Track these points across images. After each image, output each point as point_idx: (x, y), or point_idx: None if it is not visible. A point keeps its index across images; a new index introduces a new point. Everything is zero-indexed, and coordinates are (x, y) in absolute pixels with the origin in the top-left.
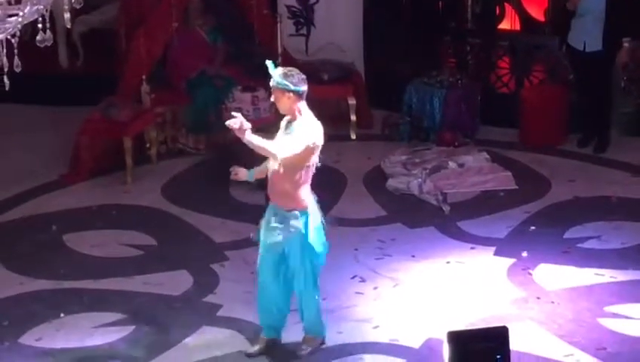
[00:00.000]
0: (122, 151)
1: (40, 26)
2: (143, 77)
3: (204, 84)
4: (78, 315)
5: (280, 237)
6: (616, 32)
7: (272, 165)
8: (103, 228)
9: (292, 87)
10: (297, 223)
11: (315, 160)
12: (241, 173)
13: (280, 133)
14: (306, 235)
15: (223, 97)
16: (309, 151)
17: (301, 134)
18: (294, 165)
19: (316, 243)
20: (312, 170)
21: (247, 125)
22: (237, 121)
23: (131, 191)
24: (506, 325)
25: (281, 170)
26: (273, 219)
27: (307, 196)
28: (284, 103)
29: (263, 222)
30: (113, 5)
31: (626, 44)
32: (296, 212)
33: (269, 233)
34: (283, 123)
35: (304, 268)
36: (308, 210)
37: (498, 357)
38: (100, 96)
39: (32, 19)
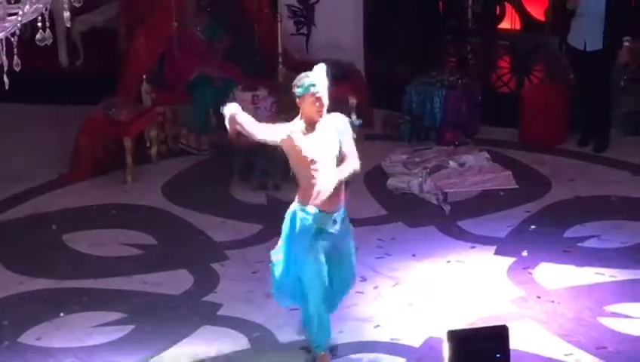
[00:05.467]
0: (122, 151)
1: (40, 24)
2: (144, 76)
3: (204, 85)
4: (78, 314)
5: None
6: (617, 32)
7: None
8: (103, 228)
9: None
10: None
11: None
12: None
13: (315, 136)
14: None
15: (223, 97)
16: None
17: (347, 130)
18: None
19: None
20: None
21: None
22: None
23: (131, 190)
24: (506, 324)
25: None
26: (332, 224)
27: None
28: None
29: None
30: (113, 4)
31: (626, 44)
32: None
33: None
34: (302, 126)
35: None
36: None
37: (498, 356)
38: (100, 96)
39: (31, 18)
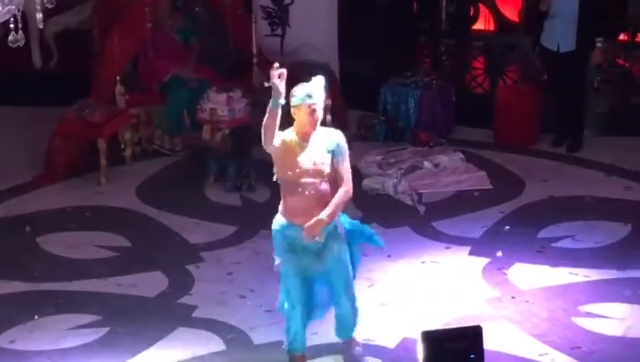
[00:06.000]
0: (96, 153)
1: (12, 26)
2: (117, 78)
3: (178, 86)
4: (53, 317)
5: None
6: (590, 33)
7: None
8: (77, 230)
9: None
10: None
11: None
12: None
13: (306, 149)
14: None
15: (198, 98)
16: None
17: (344, 151)
18: None
19: None
20: None
21: None
22: None
23: (106, 192)
24: (481, 324)
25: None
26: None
27: None
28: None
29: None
30: (87, 5)
31: (598, 45)
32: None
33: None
34: (295, 136)
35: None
36: None
37: (472, 356)
38: (74, 97)
39: (4, 20)
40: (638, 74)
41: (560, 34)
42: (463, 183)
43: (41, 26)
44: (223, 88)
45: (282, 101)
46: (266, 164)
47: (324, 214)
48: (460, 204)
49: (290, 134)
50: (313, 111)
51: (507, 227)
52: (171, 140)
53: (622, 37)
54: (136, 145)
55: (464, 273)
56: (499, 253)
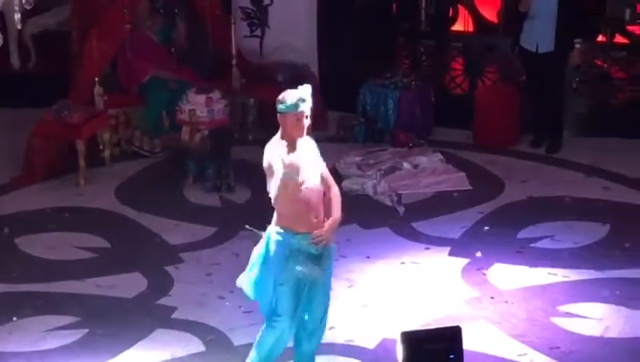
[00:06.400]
0: (75, 154)
1: None
2: (96, 79)
3: (157, 87)
4: (31, 318)
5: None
6: (568, 33)
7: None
8: (56, 231)
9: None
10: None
11: None
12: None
13: (303, 159)
14: None
15: (177, 99)
16: None
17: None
18: None
19: None
20: None
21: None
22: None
23: (84, 193)
24: (460, 325)
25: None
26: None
27: None
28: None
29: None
30: (65, 7)
31: (577, 46)
32: None
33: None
34: (285, 147)
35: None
36: None
37: (452, 357)
38: (53, 98)
39: None
40: (617, 75)
41: (539, 35)
42: (442, 184)
43: (19, 27)
44: (202, 89)
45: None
46: (245, 165)
47: (337, 215)
48: (439, 204)
49: (281, 146)
50: (301, 118)
51: (486, 227)
52: (150, 141)
53: (600, 38)
54: (115, 146)
55: (444, 273)
56: (478, 254)
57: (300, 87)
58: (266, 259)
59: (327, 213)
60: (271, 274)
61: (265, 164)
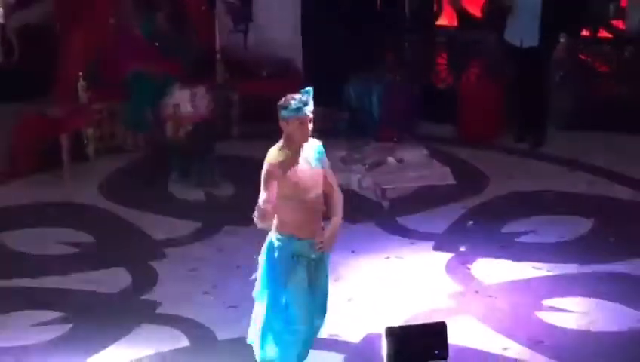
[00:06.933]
0: (59, 149)
1: None
2: (80, 74)
3: (142, 82)
4: (15, 314)
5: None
6: (553, 28)
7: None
8: (40, 226)
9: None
10: None
11: None
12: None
13: (303, 165)
14: None
15: (161, 94)
16: None
17: (325, 158)
18: None
19: None
20: None
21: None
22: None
23: (68, 188)
24: (445, 319)
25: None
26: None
27: None
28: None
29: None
30: (49, 1)
31: (562, 40)
32: None
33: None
34: (288, 153)
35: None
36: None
37: (437, 351)
38: (36, 93)
39: None
40: (601, 69)
41: (523, 29)
42: (426, 179)
43: (2, 21)
44: (187, 84)
45: None
46: (229, 160)
47: (339, 218)
48: (424, 199)
49: (283, 152)
50: (305, 123)
51: (471, 222)
52: (135, 136)
53: (584, 33)
54: (99, 141)
55: (428, 268)
56: (462, 248)
57: (301, 90)
58: (271, 267)
59: (329, 213)
60: (280, 283)
61: (263, 176)
